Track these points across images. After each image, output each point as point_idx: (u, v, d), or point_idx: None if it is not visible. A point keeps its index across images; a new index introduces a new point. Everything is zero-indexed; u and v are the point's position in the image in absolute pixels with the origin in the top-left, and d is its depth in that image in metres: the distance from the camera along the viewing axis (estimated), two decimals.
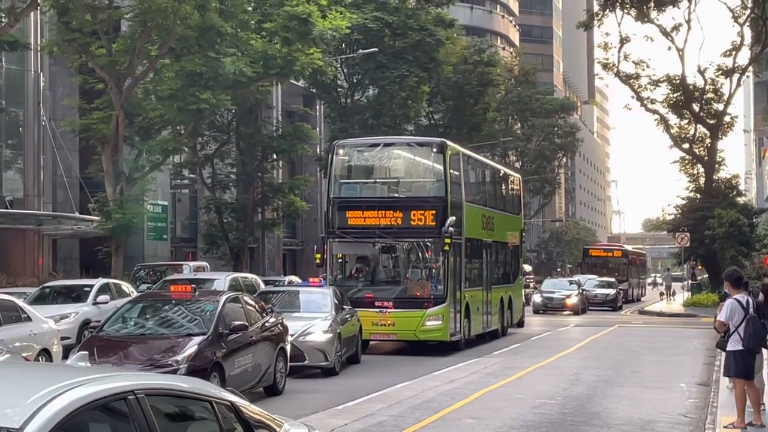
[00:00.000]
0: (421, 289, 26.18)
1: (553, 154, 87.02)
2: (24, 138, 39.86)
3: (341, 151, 27.42)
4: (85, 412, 4.45)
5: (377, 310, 25.22)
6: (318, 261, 26.23)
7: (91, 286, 25.69)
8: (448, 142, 27.58)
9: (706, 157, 54.78)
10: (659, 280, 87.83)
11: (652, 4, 52.62)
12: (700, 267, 61.78)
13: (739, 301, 13.03)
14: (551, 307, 48.04)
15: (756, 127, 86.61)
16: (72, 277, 35.02)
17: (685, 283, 60.01)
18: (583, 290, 50.51)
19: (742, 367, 12.87)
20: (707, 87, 54.04)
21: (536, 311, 47.65)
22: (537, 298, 49.42)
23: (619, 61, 54.81)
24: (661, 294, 70.38)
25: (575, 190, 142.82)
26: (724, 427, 12.78)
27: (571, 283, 51.87)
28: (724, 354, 13.60)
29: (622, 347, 28.59)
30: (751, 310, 12.98)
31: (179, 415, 5.35)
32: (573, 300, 48.18)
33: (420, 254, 26.73)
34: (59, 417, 4.27)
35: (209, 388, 5.68)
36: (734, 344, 12.93)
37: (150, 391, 4.91)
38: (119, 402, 4.67)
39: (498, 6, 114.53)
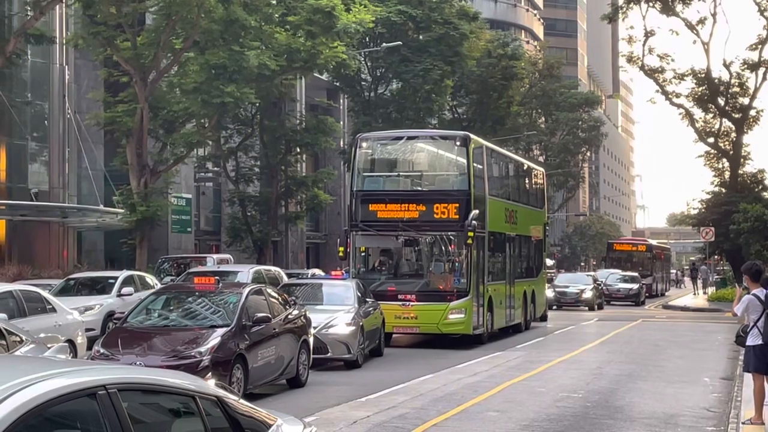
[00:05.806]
0: (444, 282, 26.13)
1: (577, 148, 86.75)
2: (49, 131, 40.06)
3: (364, 145, 27.39)
4: (50, 407, 4.22)
5: (400, 303, 25.22)
6: (341, 254, 26.24)
7: (116, 278, 25.87)
8: (472, 136, 27.51)
9: (731, 152, 54.44)
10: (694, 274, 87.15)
11: None
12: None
13: (757, 296, 12.80)
14: (564, 303, 46.41)
15: None
16: (96, 269, 35.17)
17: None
18: (599, 284, 49.40)
19: (762, 362, 12.71)
20: (732, 81, 53.66)
21: (549, 307, 46.54)
22: (549, 293, 47.94)
23: (643, 55, 54.50)
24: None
25: (599, 184, 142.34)
26: (742, 422, 12.70)
27: (588, 277, 51.04)
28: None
29: (646, 341, 28.52)
30: None
31: (159, 412, 5.10)
32: (587, 294, 46.47)
33: (443, 247, 26.67)
34: (19, 413, 4.05)
35: (193, 382, 5.38)
36: (753, 339, 12.78)
37: (124, 385, 4.66)
38: (88, 397, 4.43)
39: None
